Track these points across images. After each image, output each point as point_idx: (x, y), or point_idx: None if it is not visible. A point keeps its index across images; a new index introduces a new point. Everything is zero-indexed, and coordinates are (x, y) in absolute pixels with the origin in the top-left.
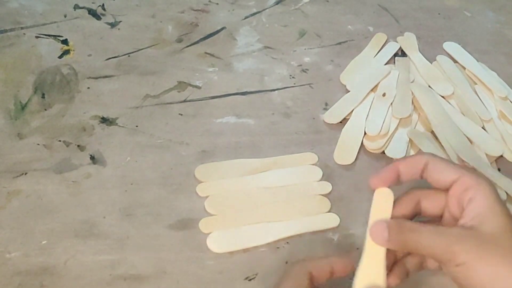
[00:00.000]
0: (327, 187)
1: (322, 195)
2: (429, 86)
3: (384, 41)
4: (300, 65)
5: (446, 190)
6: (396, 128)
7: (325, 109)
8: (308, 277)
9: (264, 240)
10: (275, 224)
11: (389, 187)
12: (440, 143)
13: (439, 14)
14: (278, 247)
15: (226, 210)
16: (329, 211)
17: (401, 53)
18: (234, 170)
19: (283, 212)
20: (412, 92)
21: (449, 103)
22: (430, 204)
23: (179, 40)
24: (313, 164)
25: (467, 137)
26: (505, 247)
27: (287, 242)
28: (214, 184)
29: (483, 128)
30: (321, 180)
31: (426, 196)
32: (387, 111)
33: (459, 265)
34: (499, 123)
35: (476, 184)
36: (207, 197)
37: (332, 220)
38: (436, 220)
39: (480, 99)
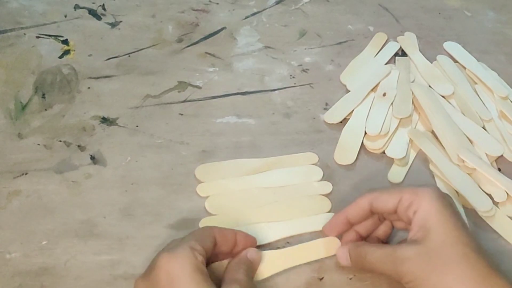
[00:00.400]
0: (328, 187)
1: (323, 195)
2: (430, 86)
3: (384, 41)
4: (301, 65)
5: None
6: (397, 128)
7: (326, 109)
8: (212, 240)
9: (264, 240)
10: (276, 224)
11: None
12: (440, 143)
13: (439, 14)
14: (278, 247)
15: (227, 210)
16: (329, 211)
17: (402, 53)
18: (234, 170)
19: (284, 212)
20: (412, 92)
21: (450, 103)
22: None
23: (179, 40)
24: (313, 164)
25: (467, 137)
26: (453, 255)
27: (288, 242)
28: (214, 184)
29: (483, 128)
30: (321, 180)
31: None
32: (388, 111)
33: (408, 283)
34: (499, 123)
35: (416, 196)
36: (207, 197)
37: None
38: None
39: (481, 99)
